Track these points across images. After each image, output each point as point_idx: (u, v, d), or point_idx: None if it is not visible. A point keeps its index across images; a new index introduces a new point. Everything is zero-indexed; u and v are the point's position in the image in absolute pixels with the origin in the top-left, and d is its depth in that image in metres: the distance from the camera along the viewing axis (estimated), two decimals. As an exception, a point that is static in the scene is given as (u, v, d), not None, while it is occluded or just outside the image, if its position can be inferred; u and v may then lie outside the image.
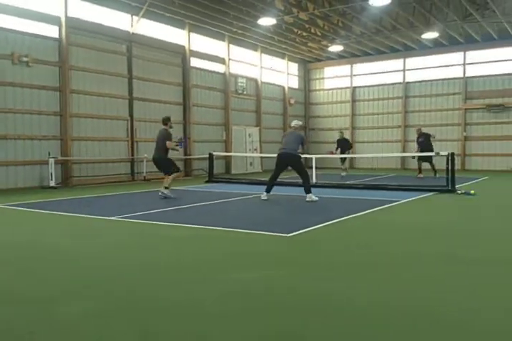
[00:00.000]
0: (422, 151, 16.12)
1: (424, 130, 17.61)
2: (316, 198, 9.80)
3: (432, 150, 15.59)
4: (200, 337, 2.98)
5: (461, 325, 3.13)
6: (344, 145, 17.56)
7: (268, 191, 10.23)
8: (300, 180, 10.27)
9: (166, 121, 11.11)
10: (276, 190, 11.33)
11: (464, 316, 3.29)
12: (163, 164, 10.89)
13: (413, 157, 17.80)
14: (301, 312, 3.36)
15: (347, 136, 19.68)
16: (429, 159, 16.03)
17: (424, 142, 16.41)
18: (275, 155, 10.55)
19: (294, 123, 10.89)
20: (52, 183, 12.94)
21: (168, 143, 10.68)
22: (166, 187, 10.58)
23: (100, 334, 3.01)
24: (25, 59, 12.81)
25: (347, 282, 4.11)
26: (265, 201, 9.92)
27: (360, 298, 3.67)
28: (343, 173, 17.54)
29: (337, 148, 17.52)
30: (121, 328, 3.11)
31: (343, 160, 17.86)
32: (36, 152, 13.23)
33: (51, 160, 12.94)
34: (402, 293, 3.78)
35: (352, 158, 22.92)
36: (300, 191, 10.08)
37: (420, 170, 16.49)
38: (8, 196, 10.96)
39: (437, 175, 15.45)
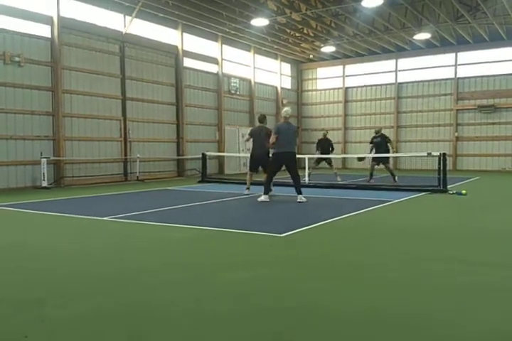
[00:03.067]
0: (376, 153, 14.59)
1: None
2: (305, 199, 9.72)
3: (387, 152, 14.59)
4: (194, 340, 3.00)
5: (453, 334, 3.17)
6: (325, 145, 16.16)
7: (268, 192, 9.94)
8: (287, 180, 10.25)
9: (264, 118, 11.43)
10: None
11: (455, 319, 3.33)
12: (267, 160, 10.89)
13: (360, 159, 15.63)
14: (293, 314, 3.38)
15: (330, 136, 17.56)
16: (384, 161, 14.43)
17: (380, 143, 14.69)
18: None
19: (288, 112, 10.06)
20: (44, 183, 12.88)
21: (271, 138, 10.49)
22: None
23: (94, 337, 3.02)
24: (17, 59, 12.74)
25: (340, 283, 4.14)
26: (254, 201, 9.86)
27: (352, 300, 3.69)
28: (339, 178, 15.28)
29: (317, 149, 16.28)
30: (114, 330, 3.12)
31: (318, 161, 15.96)
32: (28, 152, 13.16)
33: (43, 161, 12.88)
34: (397, 298, 3.81)
35: (344, 158, 23.11)
36: (294, 191, 10.06)
37: (372, 175, 14.74)
38: (0, 196, 10.90)
39: (397, 179, 14.08)
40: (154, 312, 3.37)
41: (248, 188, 11.28)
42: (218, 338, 2.97)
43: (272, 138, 9.71)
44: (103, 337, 3.00)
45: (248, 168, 11.69)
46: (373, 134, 15.55)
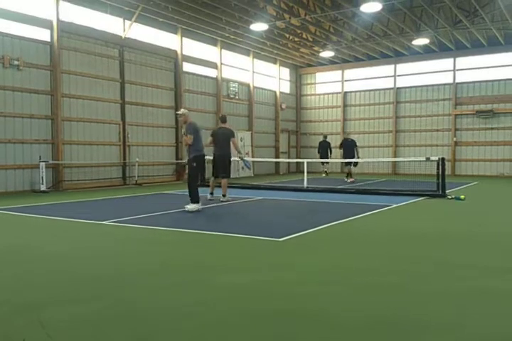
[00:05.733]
0: (346, 156, 16.48)
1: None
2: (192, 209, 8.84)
3: (354, 157, 16.46)
4: (193, 341, 2.99)
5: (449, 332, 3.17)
6: (324, 147, 19.13)
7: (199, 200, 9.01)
8: (287, 184, 10.15)
9: (225, 119, 11.18)
10: (266, 195, 11.34)
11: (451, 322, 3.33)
12: (228, 164, 10.79)
13: (355, 164, 17.35)
14: (293, 318, 3.37)
15: (329, 139, 20.68)
16: (354, 163, 16.92)
17: (350, 147, 16.70)
18: (267, 159, 10.34)
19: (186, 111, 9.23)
20: (43, 187, 12.86)
21: (234, 139, 10.78)
22: (224, 195, 10.63)
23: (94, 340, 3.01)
24: (16, 62, 12.75)
25: (339, 287, 4.13)
26: (253, 206, 9.85)
27: (352, 304, 3.69)
28: (323, 174, 20.00)
29: (318, 151, 19.23)
30: (114, 334, 3.11)
31: (323, 163, 20.03)
32: (27, 156, 13.15)
33: (42, 164, 12.87)
34: (396, 302, 3.81)
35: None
36: (293, 195, 10.09)
37: (351, 174, 17.19)
38: (-1, 200, 10.88)
39: (348, 179, 16.86)
40: (154, 315, 3.36)
41: (212, 193, 10.94)
42: (217, 343, 2.96)
43: (190, 139, 8.87)
44: (103, 340, 2.99)
45: (215, 173, 11.00)
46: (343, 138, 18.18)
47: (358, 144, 17.03)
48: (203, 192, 10.92)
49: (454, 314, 3.42)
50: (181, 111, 9.18)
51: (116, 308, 3.58)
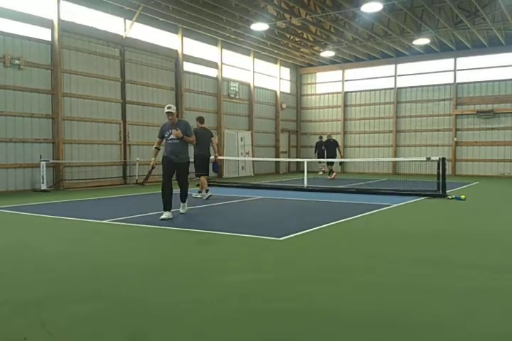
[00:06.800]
0: (329, 156, 18.15)
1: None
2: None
3: (335, 156, 18.40)
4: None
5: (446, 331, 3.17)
6: (320, 147, 19.45)
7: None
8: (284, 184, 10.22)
9: (204, 120, 11.41)
10: (266, 194, 11.34)
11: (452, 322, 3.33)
12: (207, 163, 11.31)
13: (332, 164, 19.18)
14: (293, 316, 3.38)
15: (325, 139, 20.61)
16: (332, 163, 18.81)
17: (332, 147, 18.46)
18: (267, 159, 10.44)
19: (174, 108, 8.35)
20: (43, 186, 12.88)
21: (214, 140, 11.33)
22: (200, 192, 11.24)
23: (94, 339, 3.01)
24: (17, 62, 12.76)
25: (340, 286, 4.14)
26: (254, 205, 9.85)
27: (352, 303, 3.69)
28: (320, 172, 20.33)
29: (315, 151, 19.61)
30: (112, 331, 3.11)
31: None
32: (28, 155, 13.16)
33: (43, 164, 12.88)
34: (397, 301, 3.81)
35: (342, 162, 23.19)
36: (293, 195, 10.08)
37: (331, 172, 18.71)
38: (-1, 199, 10.89)
39: (330, 176, 18.47)
40: (154, 313, 3.36)
41: (208, 190, 11.15)
42: (218, 340, 2.96)
43: (194, 140, 8.84)
44: (102, 338, 2.99)
45: (200, 172, 11.20)
46: (325, 138, 19.28)
47: (339, 144, 19.38)
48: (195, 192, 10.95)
49: (454, 313, 3.42)
50: (173, 108, 8.28)
51: (114, 306, 3.58)
